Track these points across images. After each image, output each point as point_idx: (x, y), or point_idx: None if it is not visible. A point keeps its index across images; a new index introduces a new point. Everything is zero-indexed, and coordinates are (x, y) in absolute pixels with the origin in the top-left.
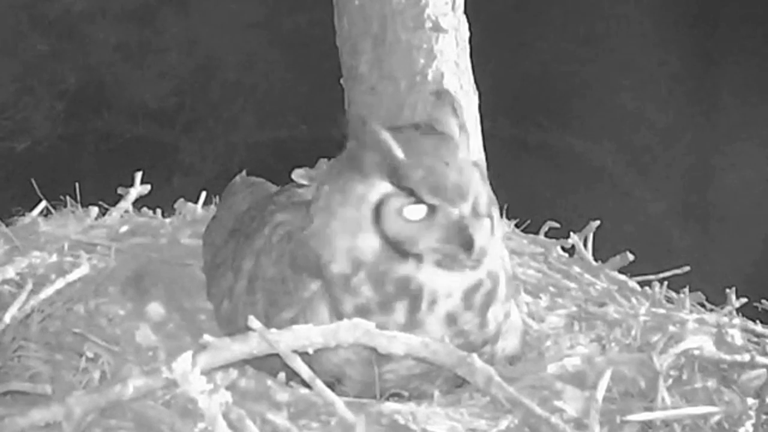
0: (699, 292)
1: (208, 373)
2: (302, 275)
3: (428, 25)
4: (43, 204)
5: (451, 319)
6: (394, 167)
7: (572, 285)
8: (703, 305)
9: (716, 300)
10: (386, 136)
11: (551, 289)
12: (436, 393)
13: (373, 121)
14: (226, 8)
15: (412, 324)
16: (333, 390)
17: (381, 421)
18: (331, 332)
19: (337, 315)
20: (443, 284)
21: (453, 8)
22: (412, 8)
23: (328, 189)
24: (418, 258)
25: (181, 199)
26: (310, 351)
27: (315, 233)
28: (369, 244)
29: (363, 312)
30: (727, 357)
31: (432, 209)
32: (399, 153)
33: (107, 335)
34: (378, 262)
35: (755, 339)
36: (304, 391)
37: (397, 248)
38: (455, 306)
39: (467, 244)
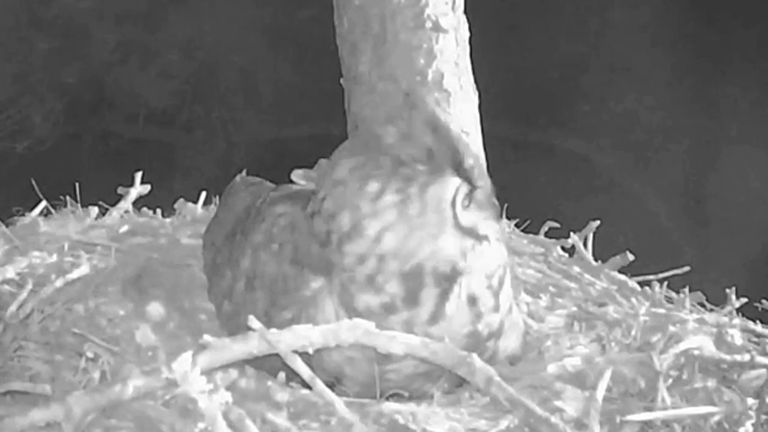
0: (699, 292)
1: (208, 373)
2: (303, 272)
3: (428, 25)
4: (43, 204)
5: (472, 301)
6: (458, 159)
7: (572, 285)
8: (703, 305)
9: (716, 300)
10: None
11: (551, 289)
12: (437, 393)
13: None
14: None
15: (437, 314)
16: (333, 390)
17: (381, 421)
18: (331, 332)
19: (349, 313)
20: (495, 261)
21: (453, 8)
22: (412, 8)
23: (396, 199)
24: (486, 239)
25: (181, 199)
26: (310, 351)
27: (393, 250)
28: (451, 240)
29: (386, 309)
30: (727, 357)
31: (473, 190)
32: (463, 142)
33: (107, 335)
34: (460, 254)
35: (755, 339)
36: (304, 391)
37: (472, 235)
38: (479, 285)
39: (498, 215)
